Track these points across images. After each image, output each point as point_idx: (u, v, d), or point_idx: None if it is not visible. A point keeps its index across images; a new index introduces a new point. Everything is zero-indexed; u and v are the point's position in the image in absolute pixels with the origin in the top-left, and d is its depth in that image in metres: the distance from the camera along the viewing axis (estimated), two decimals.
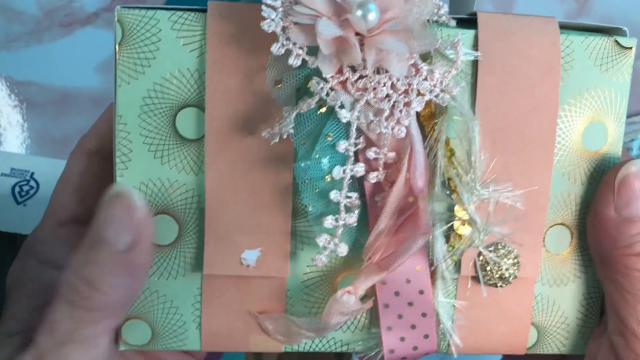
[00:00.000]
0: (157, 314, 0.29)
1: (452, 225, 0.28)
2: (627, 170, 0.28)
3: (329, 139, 0.25)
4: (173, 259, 0.28)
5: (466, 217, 0.27)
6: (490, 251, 0.28)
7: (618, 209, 0.28)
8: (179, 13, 0.27)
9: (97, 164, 0.30)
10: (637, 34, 0.53)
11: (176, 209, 0.28)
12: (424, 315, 0.29)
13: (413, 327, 0.29)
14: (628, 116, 0.55)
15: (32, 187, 0.44)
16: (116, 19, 0.27)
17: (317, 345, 0.30)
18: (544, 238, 0.29)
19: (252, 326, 0.29)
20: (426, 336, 0.29)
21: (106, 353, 0.26)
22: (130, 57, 0.27)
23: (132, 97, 0.27)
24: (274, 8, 0.25)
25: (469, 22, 0.28)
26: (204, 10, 0.27)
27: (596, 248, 0.29)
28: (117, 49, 0.27)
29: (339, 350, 0.30)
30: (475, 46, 0.28)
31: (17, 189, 0.44)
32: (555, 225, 0.29)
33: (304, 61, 0.25)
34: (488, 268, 0.28)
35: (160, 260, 0.28)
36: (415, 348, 0.29)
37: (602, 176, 0.29)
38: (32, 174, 0.44)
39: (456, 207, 0.27)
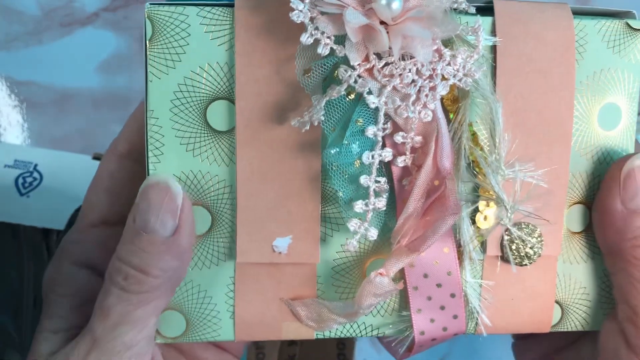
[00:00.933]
0: (191, 304, 0.29)
1: (478, 206, 0.29)
2: (633, 163, 0.29)
3: (359, 124, 0.26)
4: (207, 248, 0.29)
5: (492, 197, 0.28)
6: (517, 229, 0.29)
7: (624, 202, 0.29)
8: (208, 8, 0.27)
9: (127, 166, 0.31)
10: None
11: (209, 200, 0.29)
12: (452, 295, 0.29)
13: (442, 308, 0.30)
14: None
15: (35, 179, 0.44)
16: (146, 16, 0.27)
17: (347, 331, 0.30)
18: (565, 216, 0.30)
19: (284, 313, 0.30)
20: (455, 316, 0.30)
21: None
22: (161, 52, 0.27)
23: (163, 92, 0.28)
24: None
25: (486, 10, 0.29)
26: (232, 5, 0.27)
27: (604, 240, 0.30)
28: (147, 45, 0.27)
29: (369, 334, 0.31)
30: (493, 32, 0.29)
31: (20, 180, 0.44)
32: (575, 204, 0.30)
33: (331, 50, 0.26)
34: (514, 247, 0.29)
35: (194, 251, 0.29)
36: (445, 329, 0.30)
37: (616, 158, 0.30)
38: (36, 165, 0.44)
39: (481, 189, 0.28)
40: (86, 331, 0.26)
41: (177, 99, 0.28)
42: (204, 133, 0.28)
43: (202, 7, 0.27)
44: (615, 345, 0.30)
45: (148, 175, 0.28)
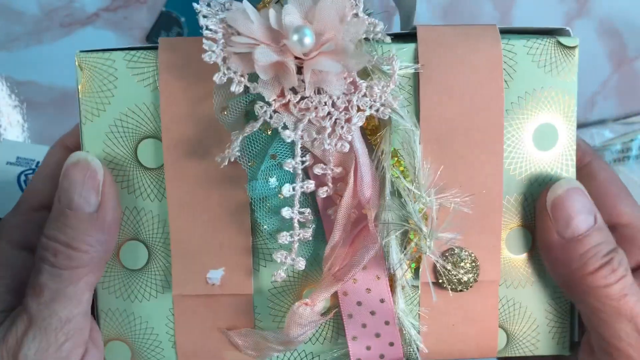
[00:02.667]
0: (135, 335, 0.30)
1: (407, 234, 0.29)
2: (555, 193, 0.28)
3: (274, 158, 0.27)
4: (145, 281, 0.30)
5: (414, 226, 0.27)
6: (445, 258, 0.29)
7: (560, 233, 0.28)
8: (133, 52, 0.29)
9: None
10: (637, 33, 0.53)
11: (145, 235, 0.30)
12: (386, 323, 0.29)
13: (377, 335, 0.30)
14: (628, 116, 0.54)
15: None
16: (76, 64, 0.29)
17: (288, 359, 0.31)
18: (504, 240, 0.30)
19: (224, 343, 0.30)
20: (391, 344, 0.30)
21: (88, 309, 0.28)
22: (92, 97, 0.29)
23: (96, 133, 0.29)
24: (215, 40, 0.26)
25: (411, 36, 0.29)
26: (156, 48, 0.28)
27: (554, 274, 0.29)
28: (79, 90, 0.29)
29: None
30: (416, 59, 0.29)
31: (22, 177, 0.44)
32: (515, 227, 0.30)
33: (246, 87, 0.27)
34: (447, 273, 0.29)
35: (134, 284, 0.30)
36: (382, 356, 0.30)
37: (555, 178, 0.29)
38: (38, 162, 0.45)
39: (408, 216, 0.28)
40: (21, 310, 0.27)
41: (109, 139, 0.29)
42: (136, 171, 0.29)
43: (127, 52, 0.29)
44: None
45: None
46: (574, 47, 0.29)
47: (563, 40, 0.29)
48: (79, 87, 0.29)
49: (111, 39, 0.51)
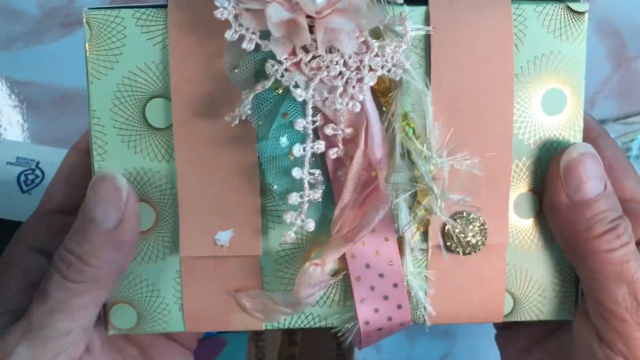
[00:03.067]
0: (141, 298, 0.30)
1: (416, 196, 0.29)
2: (569, 156, 0.28)
3: (285, 117, 0.27)
4: (152, 243, 0.30)
5: (424, 186, 0.28)
6: (454, 220, 0.29)
7: (569, 196, 0.28)
8: (142, 10, 0.28)
9: (87, 160, 0.32)
10: (637, 33, 0.53)
11: (152, 196, 0.29)
12: (395, 285, 0.29)
13: (385, 297, 0.30)
14: (628, 116, 0.54)
15: (37, 176, 0.45)
16: (84, 20, 0.28)
17: (295, 322, 0.31)
18: (512, 204, 0.30)
19: (232, 305, 0.30)
20: (399, 306, 0.30)
21: (91, 326, 0.28)
22: (99, 54, 0.28)
23: (103, 92, 0.29)
24: None
25: (421, 0, 0.29)
26: (166, 6, 0.28)
27: (559, 236, 0.29)
28: (86, 48, 0.28)
29: (317, 325, 0.31)
30: (427, 22, 0.29)
31: (22, 177, 0.45)
32: (523, 192, 0.30)
33: (257, 45, 0.26)
34: (455, 236, 0.29)
35: (140, 246, 0.30)
36: (389, 319, 0.30)
37: (564, 143, 0.29)
38: (38, 163, 0.45)
39: (417, 178, 0.28)
40: (25, 313, 0.27)
41: (117, 98, 0.29)
42: (144, 131, 0.29)
43: (137, 9, 0.28)
44: (588, 339, 0.29)
45: (94, 173, 0.29)
46: (583, 13, 0.29)
47: (573, 5, 0.29)
48: (86, 45, 0.28)
49: None
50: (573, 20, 0.29)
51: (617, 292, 0.28)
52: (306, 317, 0.31)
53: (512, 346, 0.36)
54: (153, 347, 0.33)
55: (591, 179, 0.28)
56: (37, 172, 0.46)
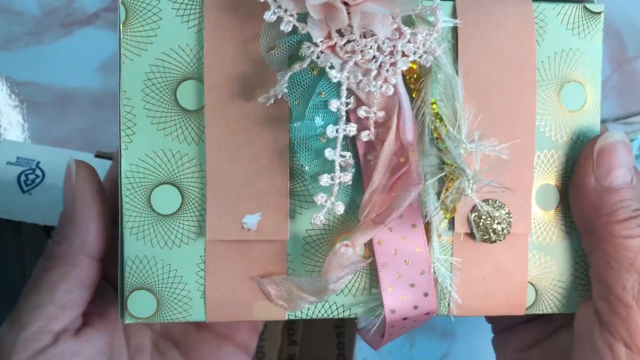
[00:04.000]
0: (162, 284, 0.30)
1: (444, 181, 0.29)
2: (604, 141, 0.29)
3: (322, 96, 0.27)
4: (176, 227, 0.29)
5: (455, 169, 0.28)
6: (481, 206, 0.29)
7: (598, 179, 0.29)
8: None
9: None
10: (637, 33, 0.56)
11: (179, 179, 0.29)
12: (422, 272, 0.29)
13: (412, 285, 0.29)
14: (628, 116, 0.56)
15: (37, 176, 0.44)
16: (120, 1, 0.29)
17: (319, 312, 0.30)
18: (534, 196, 0.31)
19: (255, 293, 0.30)
20: (426, 294, 0.30)
21: (65, 301, 0.30)
22: (133, 35, 0.29)
23: (135, 73, 0.29)
24: None
25: None
26: None
27: (580, 218, 0.30)
28: (120, 29, 0.29)
29: (341, 315, 0.30)
30: (454, 16, 0.30)
31: (22, 177, 0.44)
32: (544, 183, 0.31)
33: (294, 27, 0.27)
34: (481, 223, 0.29)
35: (164, 230, 0.29)
36: (415, 307, 0.30)
37: (583, 137, 0.30)
38: (38, 163, 0.45)
39: (445, 163, 0.29)
40: None
41: (149, 79, 0.29)
42: (175, 113, 0.29)
43: None
44: (588, 325, 0.29)
45: (120, 154, 0.29)
46: (599, 13, 0.31)
47: (589, 6, 0.31)
48: (121, 25, 0.29)
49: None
50: (589, 19, 0.31)
51: (627, 279, 0.28)
52: (330, 306, 0.30)
53: (509, 347, 0.36)
54: (197, 350, 0.33)
55: (622, 166, 0.29)
56: (37, 172, 0.45)
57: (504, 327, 0.37)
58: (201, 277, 0.30)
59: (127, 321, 0.30)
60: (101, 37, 0.50)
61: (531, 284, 0.31)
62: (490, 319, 0.38)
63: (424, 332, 0.54)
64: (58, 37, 0.50)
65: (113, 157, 0.43)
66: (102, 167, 0.43)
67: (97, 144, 0.48)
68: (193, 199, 0.29)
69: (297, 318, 0.30)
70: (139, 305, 0.30)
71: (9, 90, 0.50)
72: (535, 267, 0.31)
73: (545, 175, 0.31)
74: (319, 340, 0.49)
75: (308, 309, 0.30)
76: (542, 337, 0.34)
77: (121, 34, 0.29)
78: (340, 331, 0.49)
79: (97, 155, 0.45)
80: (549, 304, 0.31)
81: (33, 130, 0.50)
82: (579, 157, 0.30)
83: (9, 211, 0.43)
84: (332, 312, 0.30)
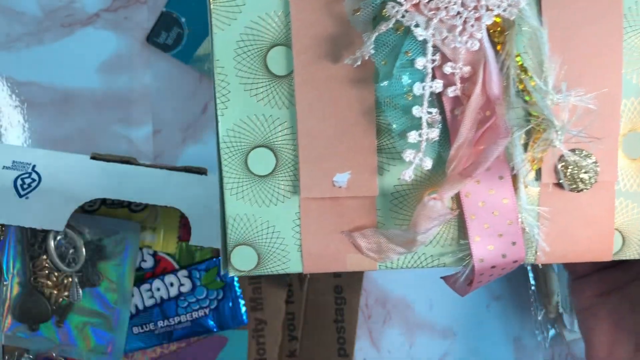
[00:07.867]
0: (262, 240, 0.32)
1: (530, 133, 0.29)
2: None
3: (408, 55, 0.28)
4: (273, 187, 0.31)
5: (542, 121, 0.28)
6: (569, 155, 0.30)
7: None
8: None
9: None
10: None
11: (272, 141, 0.31)
12: (510, 223, 0.30)
13: (500, 235, 0.30)
14: None
15: (34, 180, 0.44)
16: None
17: (409, 262, 0.32)
18: (621, 144, 0.31)
19: (347, 246, 0.31)
20: (514, 243, 0.31)
21: None
22: (223, 6, 0.30)
23: (227, 42, 0.30)
24: None
25: None
26: None
27: None
28: (210, 1, 0.30)
29: (430, 265, 0.32)
30: None
31: (19, 181, 0.44)
32: (631, 130, 0.31)
33: None
34: (568, 173, 0.30)
35: (262, 190, 0.31)
36: (504, 255, 0.31)
37: None
38: (34, 166, 0.44)
39: (531, 114, 0.29)
40: None
41: (240, 47, 0.30)
42: (265, 78, 0.30)
43: None
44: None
45: (217, 120, 0.31)
46: None
47: None
48: None
49: (112, 40, 0.50)
50: None
51: None
52: (419, 257, 0.32)
53: (589, 291, 0.36)
54: None
55: None
56: (34, 175, 0.44)
57: (582, 273, 0.37)
58: (297, 232, 0.32)
59: (231, 274, 0.32)
60: (101, 38, 0.49)
61: (618, 230, 0.31)
62: (568, 266, 0.38)
63: (424, 332, 0.55)
64: (59, 38, 0.51)
65: (111, 158, 0.44)
66: (98, 169, 0.43)
67: (97, 144, 0.48)
68: (286, 160, 0.31)
69: (389, 268, 0.32)
70: (242, 259, 0.32)
71: (10, 90, 0.51)
72: (621, 214, 0.31)
73: (631, 123, 0.31)
74: (319, 336, 0.50)
75: (398, 259, 0.32)
76: (624, 282, 0.34)
77: (211, 5, 0.30)
78: (341, 326, 0.50)
79: (93, 157, 0.45)
80: (637, 250, 0.32)
81: (33, 130, 0.51)
82: None
83: (6, 216, 0.43)
84: (421, 262, 0.32)
